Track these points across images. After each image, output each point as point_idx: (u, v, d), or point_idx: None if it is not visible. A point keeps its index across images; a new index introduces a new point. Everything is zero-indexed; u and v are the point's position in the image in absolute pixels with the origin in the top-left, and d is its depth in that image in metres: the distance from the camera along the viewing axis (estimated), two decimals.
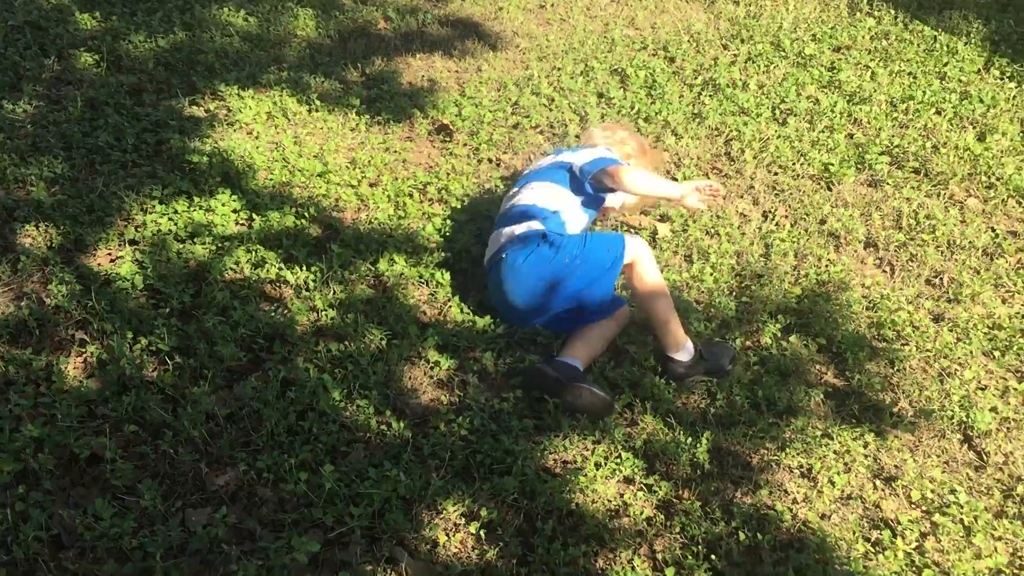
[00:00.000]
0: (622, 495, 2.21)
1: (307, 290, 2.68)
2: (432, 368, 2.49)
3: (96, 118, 3.27)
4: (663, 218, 3.21)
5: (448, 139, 3.52)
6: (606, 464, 2.26)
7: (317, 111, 3.54)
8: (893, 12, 4.84)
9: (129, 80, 3.52)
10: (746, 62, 4.29)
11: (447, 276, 2.81)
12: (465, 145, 3.50)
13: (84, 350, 2.35)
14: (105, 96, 3.39)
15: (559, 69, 4.10)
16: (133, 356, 2.32)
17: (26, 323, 2.38)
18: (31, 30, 3.81)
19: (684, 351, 2.53)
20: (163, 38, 3.84)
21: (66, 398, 2.19)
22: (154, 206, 2.87)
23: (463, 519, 2.09)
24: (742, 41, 4.48)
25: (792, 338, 2.71)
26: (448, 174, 3.30)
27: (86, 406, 2.20)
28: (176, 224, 2.81)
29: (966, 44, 4.54)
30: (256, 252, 2.75)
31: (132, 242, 2.73)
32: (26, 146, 3.07)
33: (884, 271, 3.09)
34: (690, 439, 2.33)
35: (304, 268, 2.72)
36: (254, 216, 2.91)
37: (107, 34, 3.81)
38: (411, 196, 3.17)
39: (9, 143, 3.07)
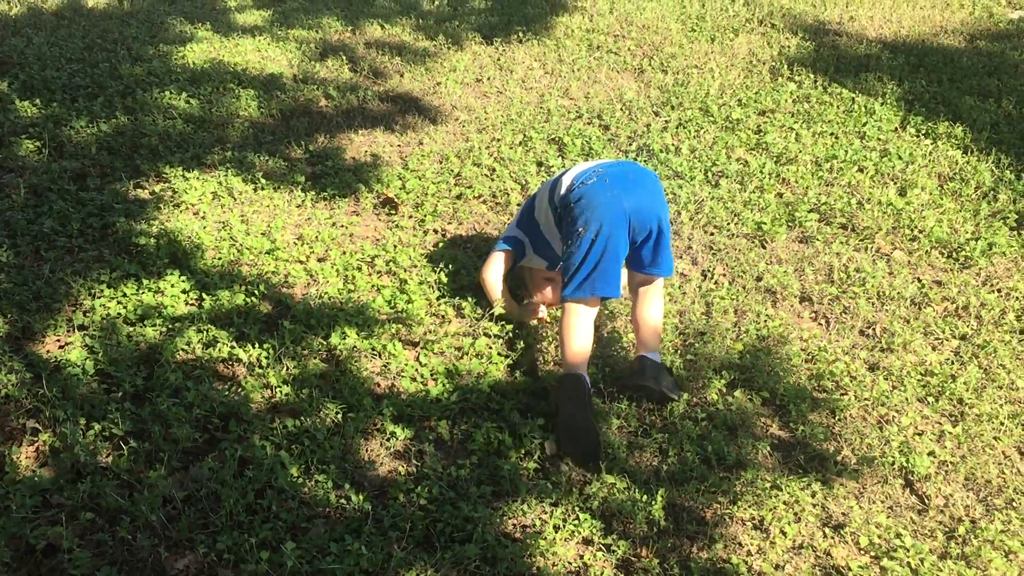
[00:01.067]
0: (582, 556, 2.25)
1: (260, 367, 2.69)
2: (388, 439, 2.52)
3: (40, 204, 3.27)
4: None
5: (393, 212, 3.59)
6: (564, 526, 2.30)
7: (263, 189, 3.59)
8: (812, 76, 5.09)
9: (72, 166, 3.54)
10: (677, 127, 4.46)
11: (399, 347, 2.85)
12: (410, 217, 3.57)
13: (36, 438, 2.33)
14: (48, 182, 3.40)
15: (498, 140, 4.22)
16: (87, 442, 2.31)
17: None
18: None
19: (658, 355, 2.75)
20: (105, 123, 3.87)
21: (20, 488, 2.17)
22: (102, 290, 2.87)
23: None
24: (672, 108, 4.66)
25: (737, 393, 2.80)
26: (395, 246, 3.36)
27: (40, 495, 2.18)
28: (125, 307, 2.82)
29: (882, 104, 4.78)
30: (207, 332, 2.76)
31: (81, 327, 2.73)
32: None
33: (820, 324, 3.21)
34: (645, 497, 2.38)
35: (256, 346, 2.74)
36: (204, 296, 2.93)
37: (48, 120, 3.83)
38: (359, 269, 3.22)
39: None
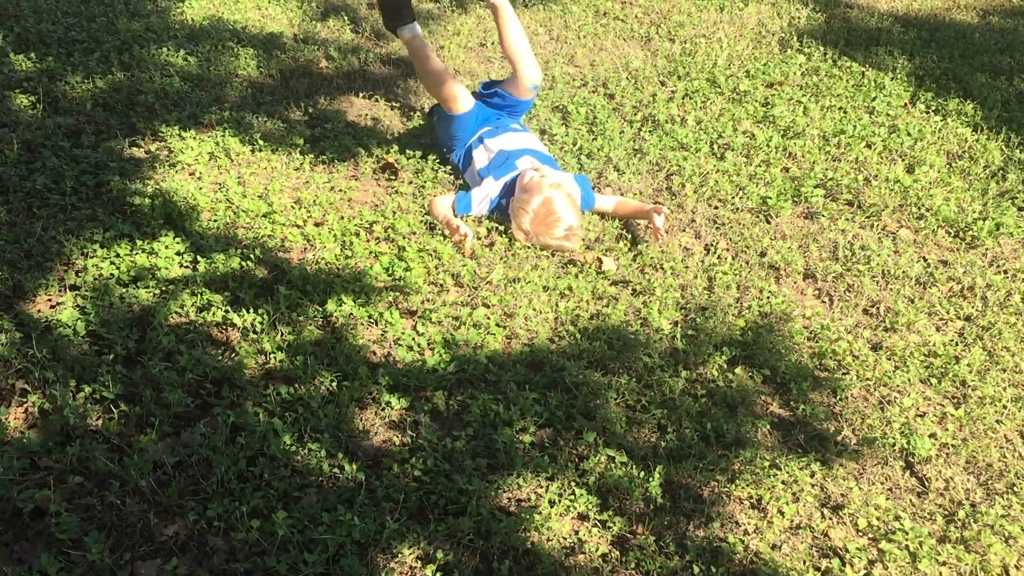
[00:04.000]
0: (577, 532, 2.22)
1: (255, 333, 2.65)
2: (383, 409, 2.48)
3: (33, 161, 3.21)
4: (608, 251, 3.25)
5: (393, 177, 3.53)
6: (560, 501, 2.27)
7: (260, 151, 3.52)
8: (822, 49, 5.00)
9: (67, 122, 3.47)
10: (683, 98, 4.39)
11: (396, 315, 2.80)
12: (410, 183, 3.51)
13: (25, 400, 2.29)
14: (42, 138, 3.33)
15: None
16: (76, 405, 2.28)
17: None
18: None
19: None
20: (101, 79, 3.79)
21: (7, 450, 2.13)
22: (95, 250, 2.82)
23: (419, 562, 2.08)
24: (679, 78, 4.58)
25: (738, 370, 2.76)
26: (394, 212, 3.30)
27: (28, 458, 2.15)
28: (118, 268, 2.77)
29: (892, 79, 4.70)
30: (202, 295, 2.72)
31: (73, 287, 2.68)
32: None
33: (823, 302, 3.17)
34: (642, 473, 2.35)
35: (251, 311, 2.69)
36: (199, 258, 2.87)
37: (43, 75, 3.75)
38: (357, 235, 3.16)
39: None
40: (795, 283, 3.23)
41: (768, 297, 3.11)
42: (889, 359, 2.90)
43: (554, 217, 3.15)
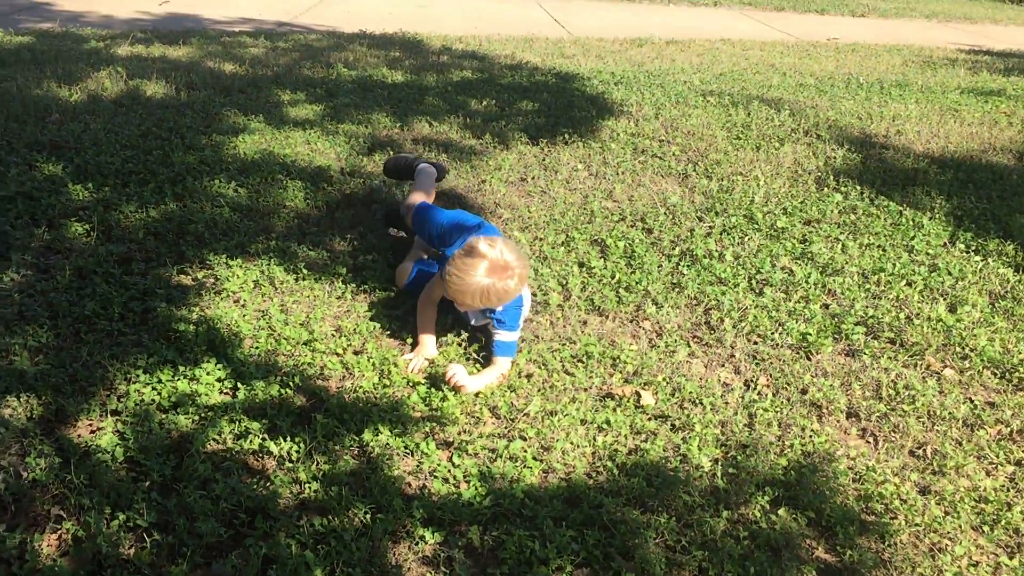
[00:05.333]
0: None
1: (290, 462, 2.64)
2: (417, 543, 2.43)
3: (84, 287, 3.30)
4: (646, 385, 3.23)
5: None
6: None
7: (304, 280, 3.59)
8: (859, 188, 5.06)
9: (119, 249, 3.58)
10: (721, 234, 4.44)
11: (432, 446, 2.78)
12: (449, 315, 3.54)
13: (60, 526, 2.28)
14: (94, 265, 3.43)
15: (541, 239, 4.22)
16: (110, 533, 2.26)
17: (1, 498, 2.32)
18: (23, 200, 3.89)
19: None
20: (154, 209, 3.92)
21: None
22: (138, 375, 2.86)
23: None
24: (716, 214, 4.64)
25: (781, 511, 2.69)
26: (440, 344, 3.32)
27: None
28: (160, 394, 2.79)
29: (931, 219, 4.73)
30: (240, 422, 2.72)
31: (114, 412, 2.71)
32: (12, 315, 3.08)
33: (868, 442, 3.10)
34: None
35: (288, 439, 2.69)
36: (239, 385, 2.90)
37: (99, 204, 3.89)
38: (396, 364, 3.18)
39: None
40: (838, 422, 3.17)
41: (811, 436, 3.06)
42: (938, 504, 2.81)
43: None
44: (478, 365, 3.26)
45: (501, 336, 3.21)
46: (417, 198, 3.85)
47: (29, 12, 8.37)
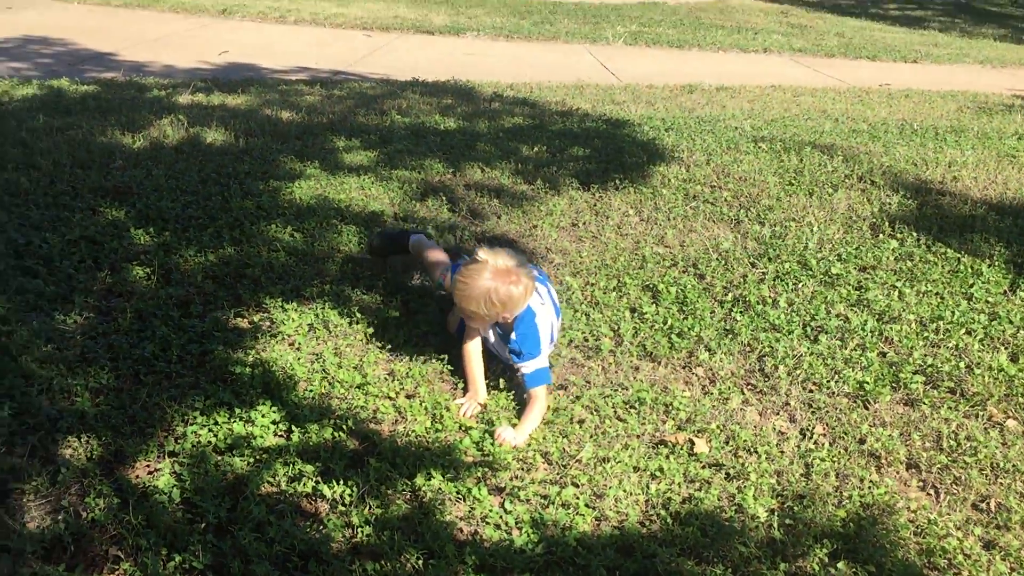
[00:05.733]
0: None
1: (343, 505, 2.65)
2: None
3: (144, 329, 3.37)
4: (700, 432, 3.19)
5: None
6: None
7: (358, 323, 3.63)
8: (915, 234, 5.00)
9: (178, 293, 3.65)
10: (774, 280, 4.40)
11: (484, 491, 2.77)
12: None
13: (118, 567, 2.31)
14: (154, 308, 3.50)
15: (592, 284, 4.22)
16: (166, 574, 2.28)
17: (61, 538, 2.35)
18: (87, 244, 4.00)
19: None
20: (212, 253, 4.01)
21: None
22: (195, 417, 2.90)
23: None
24: (769, 260, 4.61)
25: (840, 564, 2.62)
26: (486, 387, 3.32)
27: None
28: (216, 436, 2.83)
29: (990, 266, 4.64)
30: (294, 465, 2.74)
31: (171, 454, 2.75)
32: (74, 357, 3.15)
33: (929, 494, 3.02)
34: None
35: (341, 482, 2.70)
36: (293, 428, 2.92)
37: (159, 249, 3.98)
38: (448, 409, 3.18)
39: (58, 354, 3.16)
40: (898, 473, 3.10)
41: (870, 487, 2.99)
42: (1004, 559, 2.72)
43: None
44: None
45: (524, 368, 3.22)
46: (440, 257, 3.82)
47: (94, 62, 8.66)
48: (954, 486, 3.05)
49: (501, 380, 3.37)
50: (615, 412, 3.26)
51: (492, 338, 3.39)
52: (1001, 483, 3.07)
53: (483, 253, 3.14)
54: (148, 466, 2.71)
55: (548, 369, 3.27)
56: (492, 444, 2.99)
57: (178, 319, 3.47)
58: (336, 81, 8.41)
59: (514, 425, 3.12)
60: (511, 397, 3.31)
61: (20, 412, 2.85)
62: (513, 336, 3.22)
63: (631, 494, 2.85)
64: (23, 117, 5.98)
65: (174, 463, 2.70)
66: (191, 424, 2.87)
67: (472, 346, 3.34)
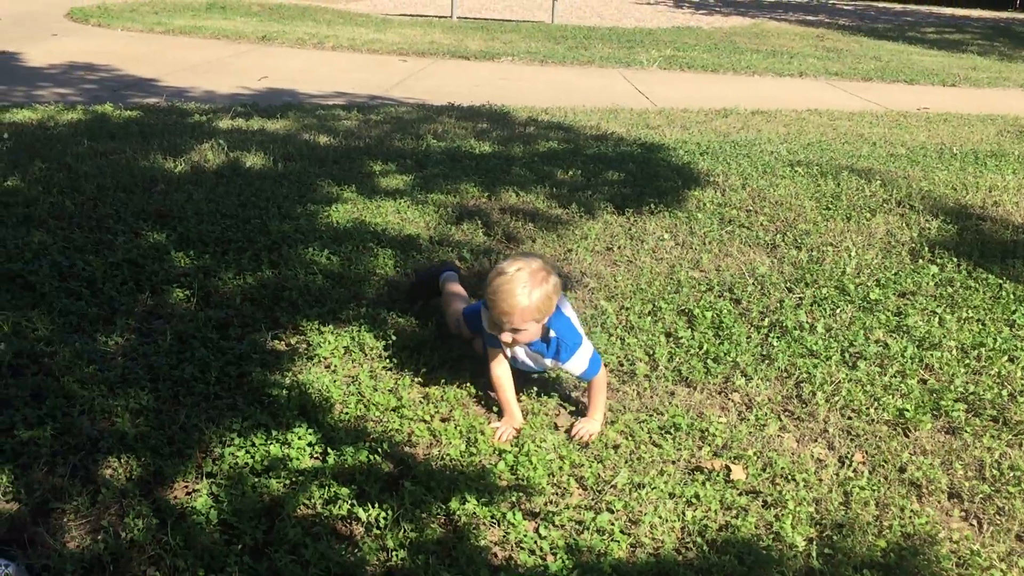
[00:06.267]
0: None
1: (378, 528, 2.65)
2: None
3: (183, 351, 3.41)
4: (737, 459, 3.16)
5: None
6: None
7: (393, 346, 3.65)
8: (956, 260, 4.93)
9: (217, 315, 3.70)
10: (812, 305, 4.36)
11: (519, 516, 2.76)
12: (536, 377, 3.54)
13: None
14: (193, 330, 3.55)
15: (627, 308, 4.21)
16: None
17: (100, 558, 2.38)
18: (128, 267, 4.07)
19: None
20: (251, 275, 4.05)
21: None
22: (233, 439, 2.92)
23: None
24: (806, 285, 4.57)
25: None
26: (521, 411, 3.32)
27: None
28: (253, 457, 2.85)
29: None
30: (329, 487, 2.76)
31: (209, 475, 2.77)
32: (115, 378, 3.20)
33: (971, 524, 2.97)
34: None
35: (376, 505, 2.71)
36: (329, 450, 2.94)
37: (199, 271, 4.04)
38: (482, 432, 3.18)
39: (99, 375, 3.21)
40: (939, 503, 3.05)
41: (911, 516, 2.94)
42: None
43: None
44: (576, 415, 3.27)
45: (575, 368, 3.24)
46: (458, 305, 3.73)
47: (137, 88, 8.84)
48: (997, 516, 2.99)
49: (537, 406, 3.37)
50: (650, 437, 3.24)
51: (521, 353, 3.37)
52: None
53: (506, 264, 3.08)
54: (186, 487, 2.74)
55: (596, 352, 3.28)
56: (528, 468, 2.97)
57: (217, 341, 3.51)
58: (373, 106, 8.50)
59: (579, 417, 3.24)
60: (548, 422, 3.30)
61: (62, 432, 2.90)
62: (552, 333, 3.20)
63: (667, 521, 2.83)
64: (68, 142, 6.11)
65: (212, 484, 2.72)
66: (229, 445, 2.90)
67: (501, 371, 3.32)
